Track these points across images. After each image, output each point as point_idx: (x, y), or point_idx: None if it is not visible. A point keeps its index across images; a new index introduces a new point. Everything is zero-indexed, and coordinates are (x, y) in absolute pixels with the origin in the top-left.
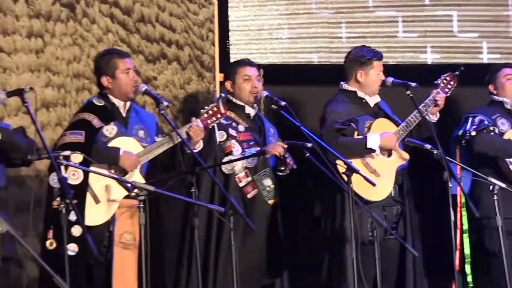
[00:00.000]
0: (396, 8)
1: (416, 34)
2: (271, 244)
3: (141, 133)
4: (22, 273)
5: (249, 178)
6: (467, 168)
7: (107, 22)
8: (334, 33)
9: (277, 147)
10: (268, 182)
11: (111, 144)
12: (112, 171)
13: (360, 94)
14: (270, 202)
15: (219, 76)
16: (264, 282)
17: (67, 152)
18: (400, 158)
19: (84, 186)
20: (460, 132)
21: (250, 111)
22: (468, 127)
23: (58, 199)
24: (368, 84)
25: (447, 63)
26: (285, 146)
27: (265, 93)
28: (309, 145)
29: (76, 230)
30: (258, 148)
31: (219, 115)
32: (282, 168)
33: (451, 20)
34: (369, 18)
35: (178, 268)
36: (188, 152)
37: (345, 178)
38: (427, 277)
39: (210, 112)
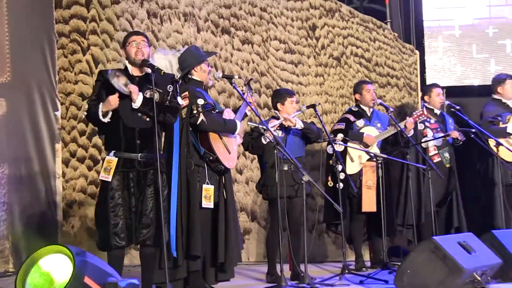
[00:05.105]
0: None
1: None
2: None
3: (378, 125)
4: (313, 203)
5: (436, 151)
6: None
7: None
8: None
9: (453, 133)
10: (446, 154)
11: (361, 130)
12: (361, 146)
13: None
14: (447, 165)
15: None
16: None
17: (339, 137)
18: None
19: (344, 153)
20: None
21: (437, 112)
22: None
23: (331, 160)
24: None
25: None
26: (459, 137)
27: (447, 102)
28: (473, 130)
29: (341, 175)
30: (442, 134)
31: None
32: (457, 143)
33: None
34: None
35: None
36: (405, 136)
37: (494, 148)
38: None
39: (418, 113)
